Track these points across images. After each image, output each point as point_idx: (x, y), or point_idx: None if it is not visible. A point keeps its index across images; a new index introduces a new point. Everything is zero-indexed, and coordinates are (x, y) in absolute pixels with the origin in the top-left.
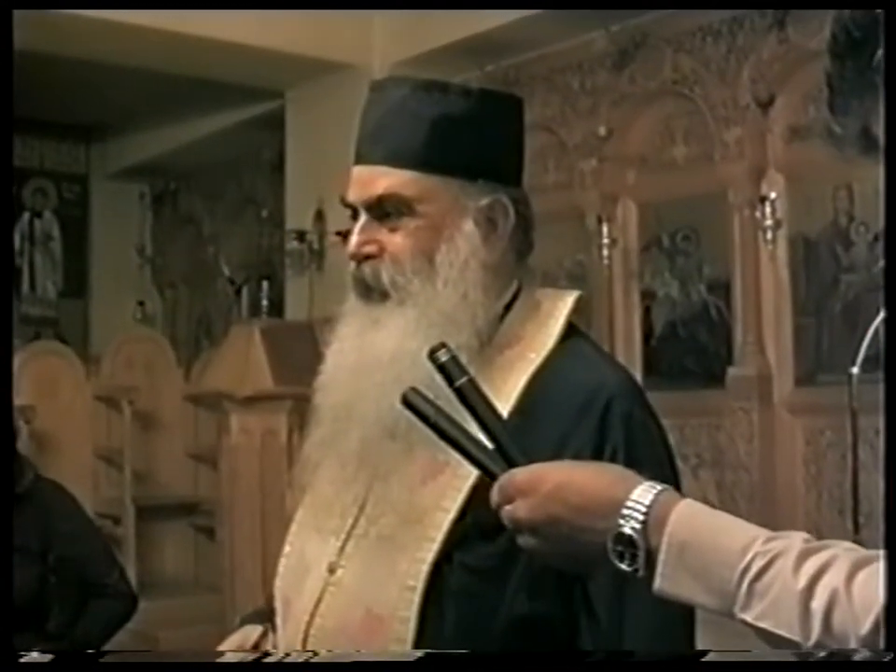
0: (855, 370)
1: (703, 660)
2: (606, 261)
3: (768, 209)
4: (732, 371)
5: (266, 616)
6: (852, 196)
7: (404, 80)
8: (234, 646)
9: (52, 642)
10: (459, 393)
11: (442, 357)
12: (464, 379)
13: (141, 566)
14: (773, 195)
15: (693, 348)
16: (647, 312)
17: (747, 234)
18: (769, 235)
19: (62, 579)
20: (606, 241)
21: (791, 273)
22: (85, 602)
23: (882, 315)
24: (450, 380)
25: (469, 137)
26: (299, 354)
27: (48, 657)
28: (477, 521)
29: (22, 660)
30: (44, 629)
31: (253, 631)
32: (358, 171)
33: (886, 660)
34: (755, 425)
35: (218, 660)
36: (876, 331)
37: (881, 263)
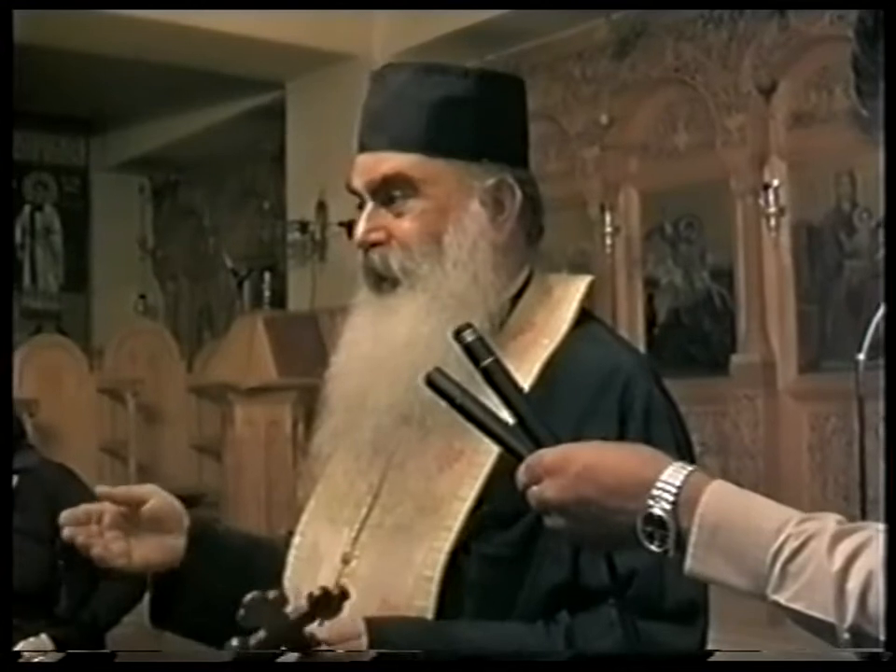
0: (861, 356)
1: (709, 660)
2: (608, 249)
3: (771, 196)
4: (736, 359)
5: None
6: (854, 182)
7: (403, 66)
8: None
9: (61, 627)
10: (486, 373)
11: (468, 337)
12: (490, 359)
13: None
14: (775, 182)
15: (697, 336)
16: (650, 300)
17: (749, 221)
18: (772, 222)
19: (70, 562)
20: (608, 229)
21: (795, 260)
22: (94, 586)
23: (882, 309)
24: (476, 360)
25: (471, 118)
26: (302, 344)
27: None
28: (494, 509)
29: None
30: (52, 613)
31: None
32: (362, 158)
33: (885, 660)
34: (760, 412)
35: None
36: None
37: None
